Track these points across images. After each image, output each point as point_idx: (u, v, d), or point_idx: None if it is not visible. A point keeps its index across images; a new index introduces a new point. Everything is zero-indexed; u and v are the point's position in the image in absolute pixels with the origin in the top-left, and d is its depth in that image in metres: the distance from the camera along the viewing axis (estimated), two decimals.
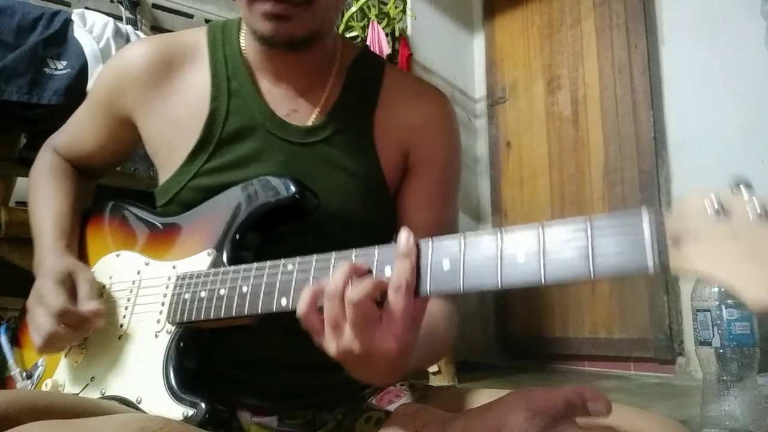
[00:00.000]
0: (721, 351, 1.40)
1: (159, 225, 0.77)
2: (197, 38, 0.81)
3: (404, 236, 0.51)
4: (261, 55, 0.78)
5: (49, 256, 0.76)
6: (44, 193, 0.85)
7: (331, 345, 0.52)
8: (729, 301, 1.40)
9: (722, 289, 1.41)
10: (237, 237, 0.68)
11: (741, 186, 0.41)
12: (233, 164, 0.74)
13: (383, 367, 0.53)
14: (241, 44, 0.80)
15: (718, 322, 1.41)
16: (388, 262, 0.52)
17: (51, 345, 0.69)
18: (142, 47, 0.81)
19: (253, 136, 0.75)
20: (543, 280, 0.45)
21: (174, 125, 0.77)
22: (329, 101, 0.78)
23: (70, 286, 0.71)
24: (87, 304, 0.69)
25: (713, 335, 1.42)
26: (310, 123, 0.77)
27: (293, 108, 0.77)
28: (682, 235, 0.41)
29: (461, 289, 0.48)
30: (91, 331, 0.71)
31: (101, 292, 0.76)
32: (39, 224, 0.81)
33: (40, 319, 0.68)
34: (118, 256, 0.78)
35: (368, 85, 0.81)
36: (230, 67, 0.78)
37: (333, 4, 0.73)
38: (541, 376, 2.65)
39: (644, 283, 2.61)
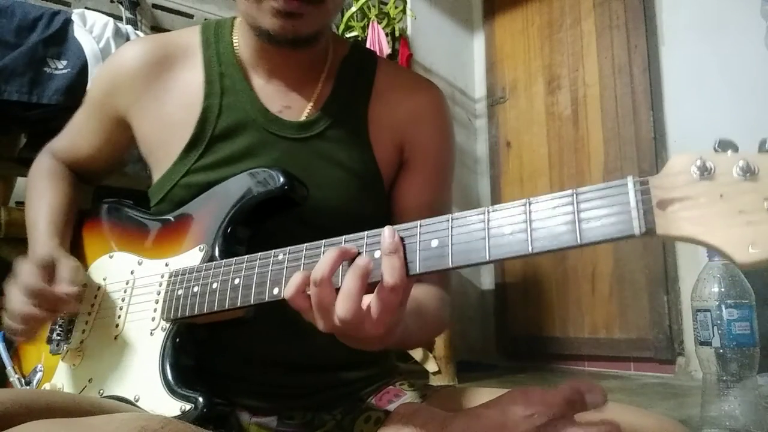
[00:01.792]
0: (721, 351, 1.40)
1: (151, 224, 0.77)
2: (190, 38, 0.81)
3: (388, 233, 0.51)
4: (255, 52, 0.78)
5: (39, 248, 0.76)
6: (39, 194, 0.85)
7: (319, 323, 0.53)
8: (729, 301, 1.40)
9: (722, 289, 1.41)
10: (228, 231, 0.68)
11: (726, 146, 0.42)
12: (226, 160, 0.75)
13: (370, 342, 0.54)
14: (234, 42, 0.80)
15: (718, 322, 1.40)
16: (378, 247, 0.52)
17: (25, 325, 0.69)
18: (135, 48, 0.81)
19: (246, 132, 0.75)
20: (531, 249, 0.45)
21: (167, 124, 0.77)
22: (322, 96, 0.78)
23: (50, 270, 0.71)
24: (63, 286, 0.69)
25: (713, 335, 1.41)
26: (303, 118, 0.77)
27: (286, 104, 0.77)
28: (667, 196, 0.41)
29: (450, 264, 0.48)
30: (66, 313, 0.72)
31: (95, 293, 0.76)
32: (32, 222, 0.81)
33: (14, 298, 0.69)
34: (111, 257, 0.78)
35: (360, 79, 0.81)
36: (223, 64, 0.79)
37: (339, 3, 0.74)
38: (540, 376, 2.65)
39: (644, 282, 2.61)
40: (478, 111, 3.54)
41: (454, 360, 2.40)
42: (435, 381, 2.30)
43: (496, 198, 3.31)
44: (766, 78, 2.28)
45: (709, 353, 1.43)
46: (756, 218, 0.38)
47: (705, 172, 0.41)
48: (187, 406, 0.59)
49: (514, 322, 3.15)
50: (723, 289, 1.41)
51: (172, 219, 0.75)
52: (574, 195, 0.45)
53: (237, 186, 0.70)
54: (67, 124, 0.90)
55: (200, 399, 0.60)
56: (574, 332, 2.88)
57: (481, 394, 0.68)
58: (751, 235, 0.38)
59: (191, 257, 0.69)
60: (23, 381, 0.77)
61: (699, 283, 1.46)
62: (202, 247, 0.69)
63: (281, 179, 0.67)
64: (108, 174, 0.93)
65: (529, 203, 0.47)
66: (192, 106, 0.76)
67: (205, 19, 2.58)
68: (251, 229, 0.70)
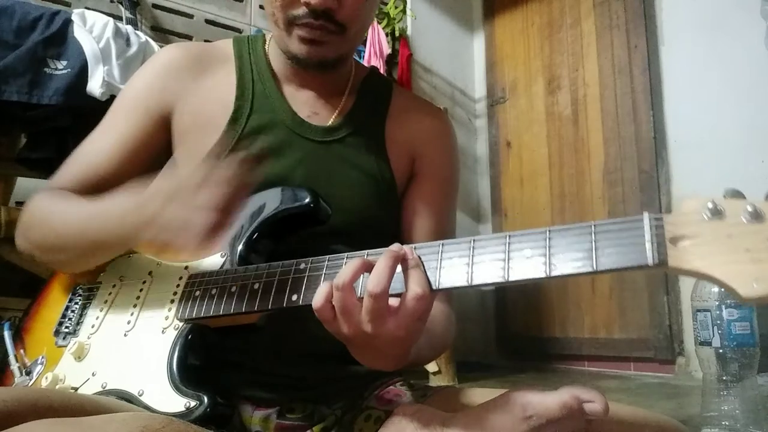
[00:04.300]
0: (721, 351, 1.40)
1: None
2: (224, 48, 0.87)
3: (408, 250, 0.54)
4: (286, 67, 0.84)
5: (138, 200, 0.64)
6: (67, 209, 0.73)
7: (343, 327, 0.54)
8: (729, 301, 1.40)
9: (722, 289, 1.41)
10: (250, 241, 0.70)
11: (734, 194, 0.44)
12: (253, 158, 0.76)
13: (388, 351, 0.55)
14: (267, 54, 0.86)
15: (718, 322, 1.40)
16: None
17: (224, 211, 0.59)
18: (177, 48, 0.86)
19: (273, 132, 0.80)
20: (549, 274, 0.48)
21: (202, 120, 0.80)
22: (346, 107, 0.85)
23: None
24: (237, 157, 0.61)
25: (713, 335, 1.41)
26: (329, 124, 0.83)
27: (314, 110, 0.84)
28: (679, 232, 0.45)
29: (468, 283, 0.51)
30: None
31: (110, 290, 0.76)
32: (90, 224, 0.69)
33: (187, 207, 0.59)
34: (130, 257, 0.79)
35: (379, 98, 0.89)
36: (256, 72, 0.84)
37: (361, 32, 0.81)
38: (540, 376, 2.65)
39: (644, 283, 2.61)
40: (478, 111, 3.54)
41: (454, 360, 2.40)
42: (435, 381, 2.30)
43: (496, 198, 3.31)
44: (766, 78, 2.28)
45: (709, 353, 1.43)
46: (761, 257, 0.42)
47: (716, 214, 0.44)
48: (192, 403, 0.60)
49: (514, 322, 3.15)
50: (722, 289, 1.41)
51: None
52: (593, 226, 0.48)
53: (263, 200, 0.72)
54: (70, 155, 0.82)
55: (205, 397, 0.61)
56: (574, 332, 2.88)
57: (481, 394, 0.68)
58: (756, 271, 0.41)
59: (211, 263, 0.71)
60: (24, 371, 0.78)
61: (699, 283, 1.46)
62: (223, 254, 0.70)
63: (308, 198, 0.70)
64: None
65: (549, 231, 0.50)
66: (225, 105, 0.80)
67: (206, 20, 2.58)
68: (272, 243, 0.72)
